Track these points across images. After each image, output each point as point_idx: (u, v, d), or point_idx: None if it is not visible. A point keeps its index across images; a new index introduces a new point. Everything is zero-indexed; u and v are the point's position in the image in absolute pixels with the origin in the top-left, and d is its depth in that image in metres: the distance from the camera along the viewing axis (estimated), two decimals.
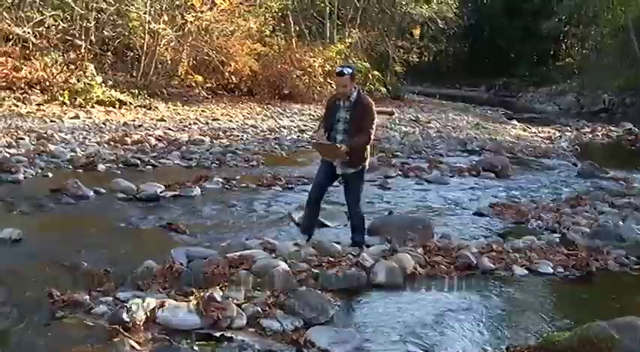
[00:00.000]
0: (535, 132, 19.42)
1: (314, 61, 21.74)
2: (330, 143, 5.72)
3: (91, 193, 7.56)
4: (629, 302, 5.01)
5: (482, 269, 5.64)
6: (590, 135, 19.97)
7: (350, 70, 5.70)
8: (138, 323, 3.90)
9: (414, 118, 20.35)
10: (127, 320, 3.86)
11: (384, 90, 25.22)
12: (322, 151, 5.94)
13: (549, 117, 25.73)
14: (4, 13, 16.52)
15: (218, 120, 15.90)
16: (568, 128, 21.01)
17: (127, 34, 18.40)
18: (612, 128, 21.42)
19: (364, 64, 24.39)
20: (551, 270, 5.80)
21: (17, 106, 14.13)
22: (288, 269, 4.96)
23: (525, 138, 17.92)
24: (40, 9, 16.94)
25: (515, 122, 22.02)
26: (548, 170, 12.43)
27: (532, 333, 4.36)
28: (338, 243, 5.98)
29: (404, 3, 27.15)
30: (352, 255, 5.54)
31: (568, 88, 32.82)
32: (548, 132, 19.45)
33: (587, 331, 3.90)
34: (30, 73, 15.86)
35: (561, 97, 32.31)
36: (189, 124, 14.69)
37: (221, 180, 8.92)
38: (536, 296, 5.29)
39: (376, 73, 24.94)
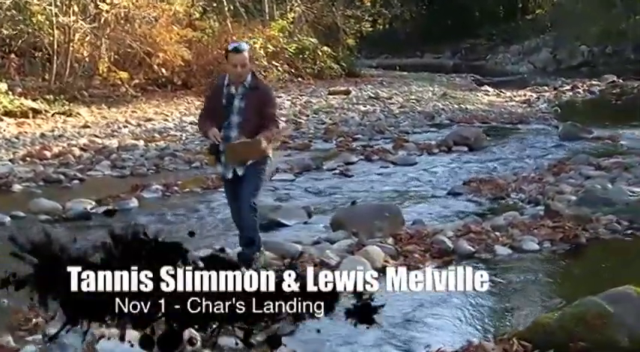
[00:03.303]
0: (510, 97, 19.72)
1: (254, 43, 21.65)
2: (251, 140, 5.16)
3: (7, 219, 7.37)
4: (622, 271, 5.19)
5: (461, 253, 5.76)
6: (571, 93, 20.41)
7: (248, 46, 5.57)
8: None
9: (373, 95, 20.43)
10: None
11: (336, 67, 25.23)
12: (239, 154, 5.25)
13: (524, 78, 26.15)
14: None
15: (152, 120, 15.72)
16: (546, 88, 21.40)
17: (31, 31, 18.02)
18: (594, 82, 21.98)
19: (311, 39, 24.36)
20: (537, 246, 5.96)
21: None
22: None
23: (499, 104, 18.19)
24: None
25: (486, 88, 22.31)
26: (526, 137, 12.68)
27: (521, 317, 4.46)
28: (298, 242, 6.03)
29: None
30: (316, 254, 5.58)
31: (542, 44, 33.28)
32: (525, 95, 19.77)
33: (579, 308, 4.01)
34: None
35: (535, 55, 32.78)
36: (119, 128, 14.50)
37: (160, 187, 8.83)
38: (523, 276, 5.41)
39: (326, 48, 24.95)
